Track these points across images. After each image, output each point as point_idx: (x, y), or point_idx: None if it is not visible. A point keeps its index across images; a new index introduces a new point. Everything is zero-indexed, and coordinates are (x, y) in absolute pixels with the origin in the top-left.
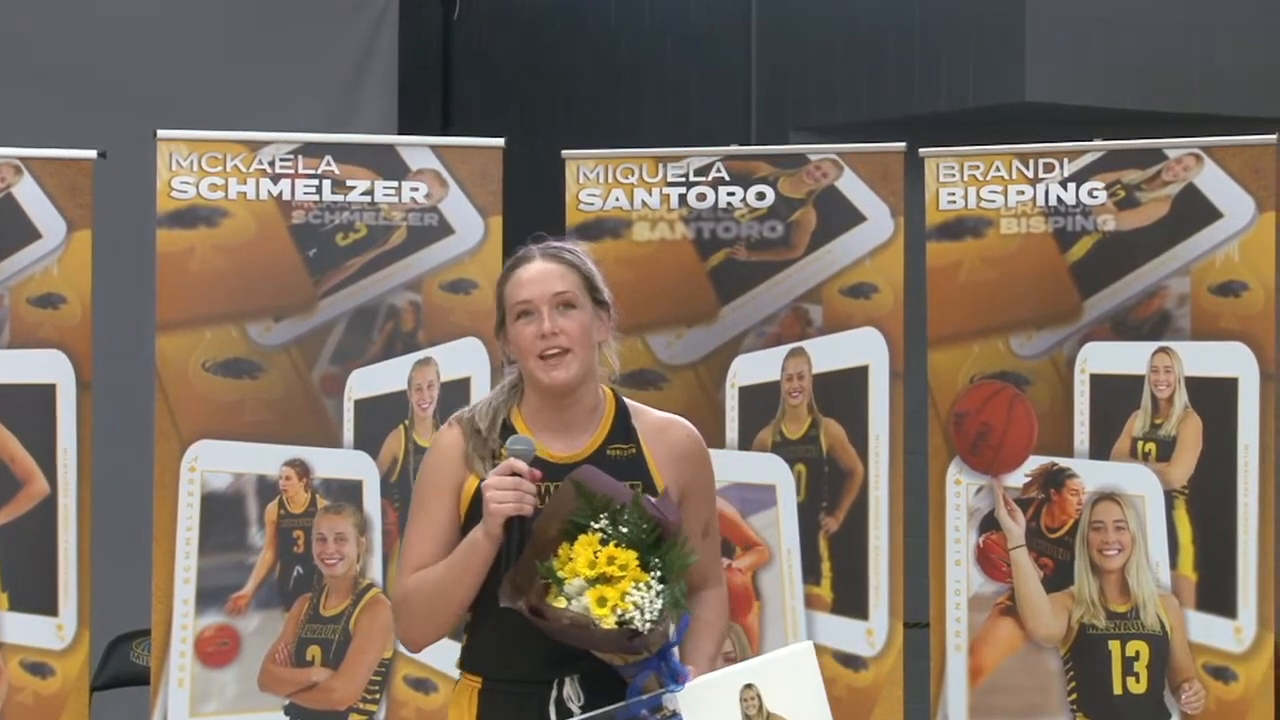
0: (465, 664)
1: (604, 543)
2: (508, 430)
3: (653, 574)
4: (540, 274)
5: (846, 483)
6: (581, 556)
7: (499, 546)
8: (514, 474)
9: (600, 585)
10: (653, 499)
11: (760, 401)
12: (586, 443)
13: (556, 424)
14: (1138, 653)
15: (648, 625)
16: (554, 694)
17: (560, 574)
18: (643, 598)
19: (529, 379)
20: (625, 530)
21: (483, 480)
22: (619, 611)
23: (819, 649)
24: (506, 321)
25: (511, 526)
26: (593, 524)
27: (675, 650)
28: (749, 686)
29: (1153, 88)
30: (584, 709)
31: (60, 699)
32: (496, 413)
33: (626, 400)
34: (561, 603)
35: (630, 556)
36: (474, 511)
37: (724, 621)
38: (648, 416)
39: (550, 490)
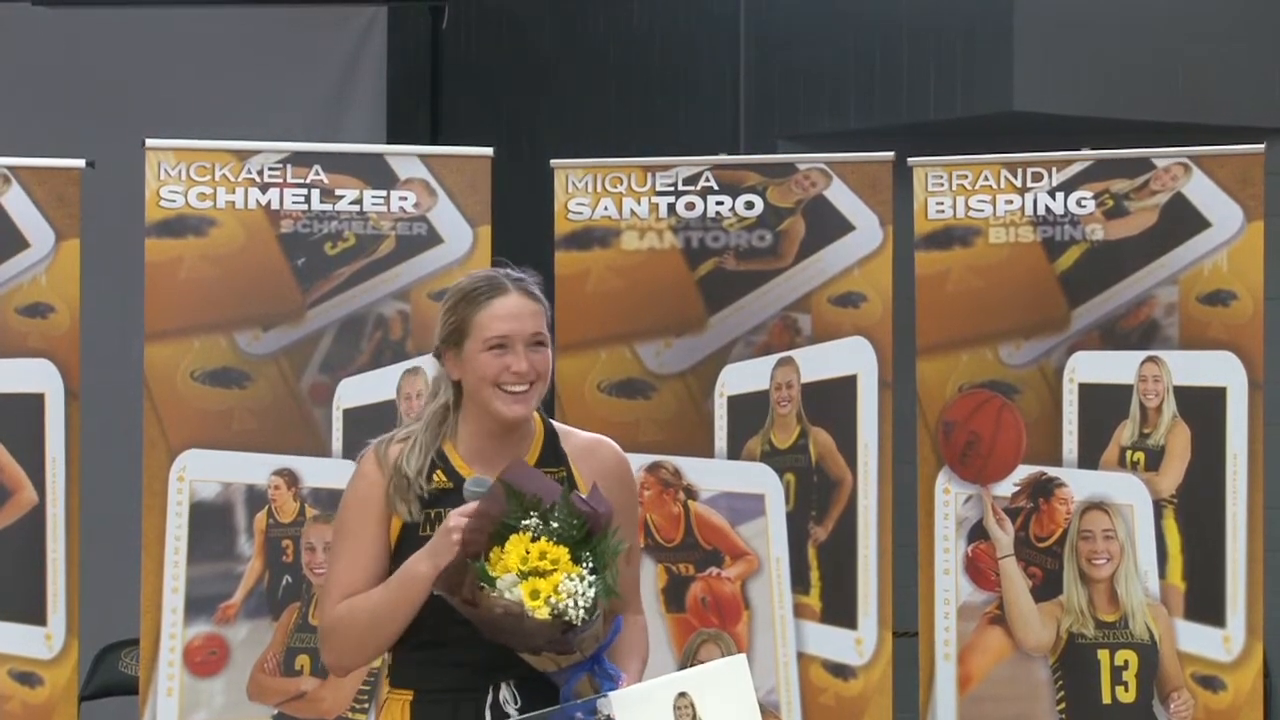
0: (394, 679)
1: (535, 539)
2: (441, 460)
3: (584, 565)
4: (520, 310)
5: (835, 492)
6: (513, 553)
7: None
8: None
9: (533, 578)
10: (582, 495)
11: (749, 411)
12: None
13: (490, 451)
14: (1126, 662)
15: (581, 616)
16: (489, 698)
17: (492, 573)
18: (575, 587)
19: (478, 403)
20: (555, 527)
21: (407, 522)
22: (552, 602)
23: (809, 658)
24: (468, 346)
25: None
26: (523, 523)
27: (606, 653)
28: (683, 695)
29: (1141, 97)
30: (521, 712)
31: (49, 708)
32: (425, 450)
33: (553, 422)
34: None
35: (562, 552)
36: (401, 549)
37: (645, 647)
38: (575, 438)
39: None
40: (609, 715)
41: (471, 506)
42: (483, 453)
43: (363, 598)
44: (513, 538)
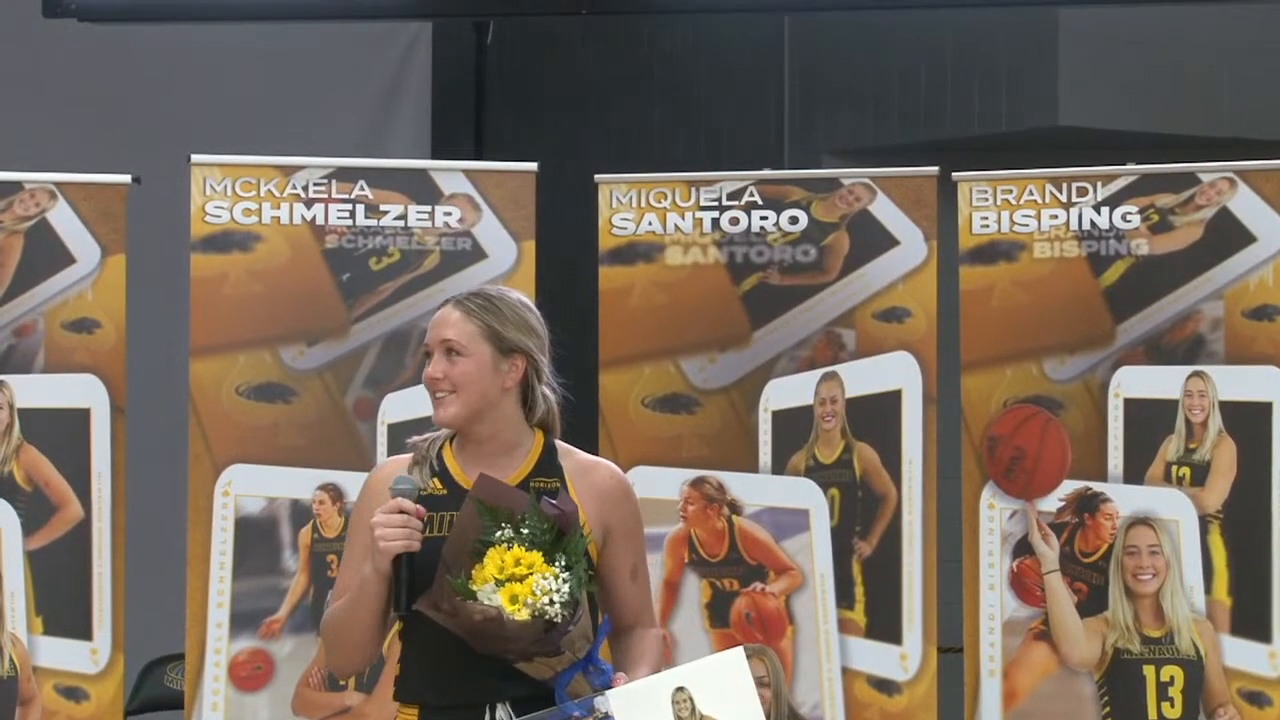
0: (399, 695)
1: (509, 548)
2: (439, 464)
3: (558, 565)
4: (440, 319)
5: (880, 507)
6: (491, 564)
7: (389, 582)
8: (400, 512)
9: (510, 584)
10: (551, 499)
11: (793, 426)
12: (510, 476)
13: (477, 458)
14: (1172, 678)
15: (559, 612)
16: (487, 717)
17: (473, 587)
18: (550, 584)
19: None
20: (526, 533)
21: (423, 490)
22: (530, 603)
23: (853, 673)
24: None
25: (400, 563)
26: (497, 534)
27: (600, 651)
28: (680, 689)
29: (1186, 112)
30: None
31: None
32: (436, 440)
33: (557, 442)
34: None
35: (536, 556)
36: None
37: (656, 656)
38: (576, 457)
39: (450, 519)
40: (606, 713)
41: (392, 504)
42: (472, 457)
43: (338, 603)
44: (490, 552)
